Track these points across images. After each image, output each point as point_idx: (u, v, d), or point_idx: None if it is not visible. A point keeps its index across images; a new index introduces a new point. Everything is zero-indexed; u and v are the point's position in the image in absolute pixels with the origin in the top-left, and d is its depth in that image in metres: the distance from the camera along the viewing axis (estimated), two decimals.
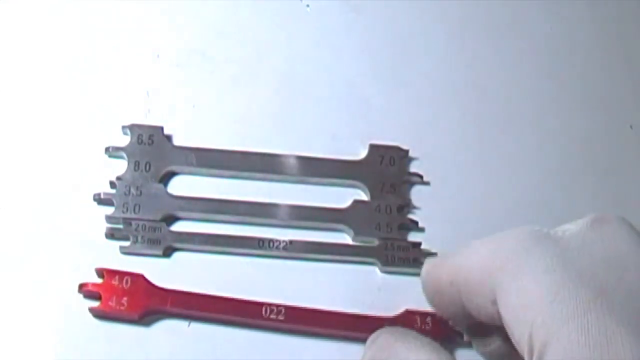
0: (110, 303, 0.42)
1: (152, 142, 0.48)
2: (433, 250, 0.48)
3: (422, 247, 0.48)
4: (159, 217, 0.46)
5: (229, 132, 0.50)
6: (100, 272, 0.44)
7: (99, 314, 0.43)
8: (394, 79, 0.53)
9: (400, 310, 0.45)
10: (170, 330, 0.44)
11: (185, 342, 0.43)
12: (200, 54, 0.52)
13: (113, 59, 0.51)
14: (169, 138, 0.49)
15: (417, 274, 0.45)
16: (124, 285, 0.43)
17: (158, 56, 0.52)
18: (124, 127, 0.49)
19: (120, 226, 0.46)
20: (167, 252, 0.46)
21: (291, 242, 0.47)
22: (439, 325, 0.44)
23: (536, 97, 0.53)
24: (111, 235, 0.46)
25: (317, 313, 0.44)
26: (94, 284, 0.43)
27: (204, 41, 0.53)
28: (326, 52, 0.53)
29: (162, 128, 0.49)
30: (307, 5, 0.54)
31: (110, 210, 0.46)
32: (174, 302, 0.43)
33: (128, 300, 0.42)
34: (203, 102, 0.51)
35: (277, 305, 0.44)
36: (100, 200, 0.47)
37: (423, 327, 0.44)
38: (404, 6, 0.55)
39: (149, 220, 0.46)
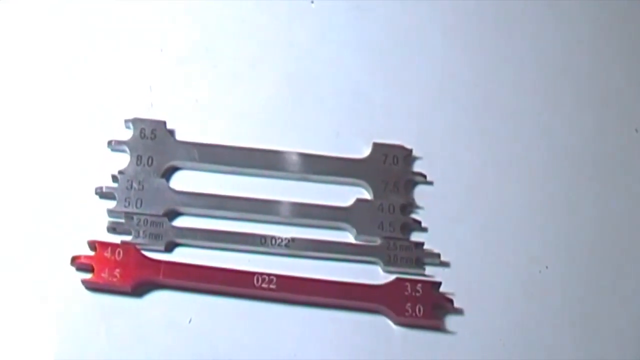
0: (102, 275, 0.43)
1: (155, 136, 0.49)
2: (436, 251, 0.48)
3: (425, 247, 0.48)
4: (161, 212, 0.47)
5: (232, 128, 0.51)
6: (93, 245, 0.45)
7: (92, 286, 0.44)
8: (398, 77, 0.54)
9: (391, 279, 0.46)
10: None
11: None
12: (203, 49, 0.53)
13: (116, 53, 0.52)
14: (171, 133, 0.50)
15: (420, 274, 0.46)
16: (117, 257, 0.44)
17: (162, 50, 0.53)
18: (126, 121, 0.50)
19: (122, 220, 0.47)
20: (169, 247, 0.47)
21: (293, 239, 0.48)
22: (430, 292, 0.45)
23: (542, 98, 0.54)
24: (113, 229, 0.47)
25: (308, 281, 0.45)
26: (87, 256, 0.44)
27: (207, 36, 0.54)
28: (330, 49, 0.54)
29: (165, 122, 0.50)
30: (312, 2, 0.55)
31: (112, 204, 0.47)
32: (167, 273, 0.44)
33: (120, 272, 0.43)
34: (206, 97, 0.52)
35: (269, 275, 0.45)
36: (102, 194, 0.48)
37: (414, 294, 0.45)
38: (409, 3, 0.56)
39: (151, 215, 0.47)
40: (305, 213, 0.49)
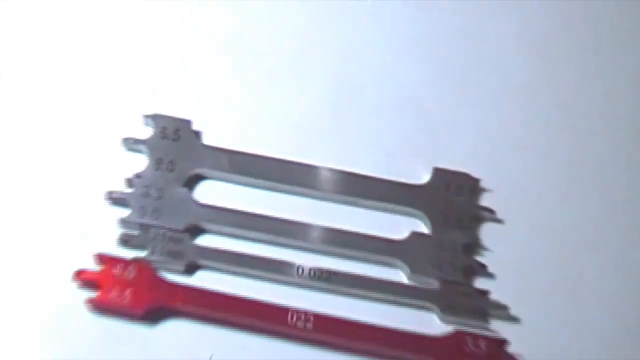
0: (110, 295, 0.43)
1: (178, 137, 0.49)
2: (503, 302, 0.48)
3: (491, 296, 0.48)
4: (181, 226, 0.47)
5: (269, 136, 0.51)
6: (100, 259, 0.44)
7: (97, 307, 0.43)
8: (469, 93, 0.54)
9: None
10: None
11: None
12: (240, 38, 0.53)
13: (136, 34, 0.52)
14: (197, 135, 0.50)
15: (483, 328, 0.46)
16: (128, 275, 0.43)
17: (191, 36, 0.53)
18: (146, 117, 0.49)
19: (136, 233, 0.47)
20: (190, 269, 0.47)
21: (335, 273, 0.48)
22: (494, 351, 0.44)
23: (633, 126, 0.54)
24: (124, 242, 0.46)
25: (350, 324, 0.45)
26: (92, 272, 0.43)
27: (246, 24, 0.54)
28: (388, 54, 0.54)
29: (190, 122, 0.50)
30: None
31: (124, 212, 0.47)
32: (186, 299, 0.44)
33: (131, 293, 0.43)
34: (240, 96, 0.52)
35: (305, 312, 0.44)
36: (113, 200, 0.47)
37: (475, 351, 0.44)
38: (483, 7, 0.56)
39: (170, 230, 0.47)
40: (351, 243, 0.49)
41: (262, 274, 0.47)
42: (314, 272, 0.47)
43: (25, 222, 0.46)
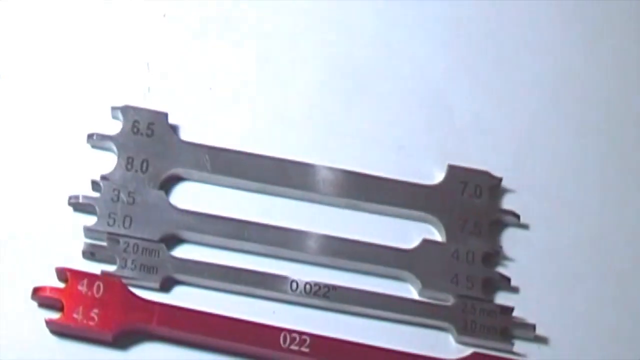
0: (75, 315, 0.42)
1: (152, 132, 0.49)
2: (529, 321, 0.47)
3: (515, 314, 0.47)
4: (157, 236, 0.46)
5: (258, 130, 0.50)
6: (62, 273, 0.43)
7: (59, 330, 0.43)
8: (487, 82, 0.53)
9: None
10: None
11: None
12: (222, 20, 0.53)
13: (104, 15, 0.51)
14: (175, 129, 0.49)
15: (506, 351, 0.46)
16: (95, 293, 0.43)
17: (164, 16, 0.53)
18: (114, 109, 0.48)
19: (104, 244, 0.46)
20: (166, 285, 0.46)
21: (334, 287, 0.47)
22: None
23: None
24: (90, 254, 0.45)
25: (352, 347, 0.44)
26: (54, 289, 0.43)
27: (228, 2, 0.53)
28: (399, 38, 0.54)
29: (166, 115, 0.49)
30: None
31: (90, 220, 0.46)
32: (162, 320, 0.43)
33: (99, 314, 0.42)
34: (224, 85, 0.51)
35: (300, 333, 0.44)
36: (77, 205, 0.46)
37: None
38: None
39: (143, 240, 0.46)
40: (353, 253, 0.48)
41: (251, 289, 0.46)
42: (311, 287, 0.46)
43: None
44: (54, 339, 0.43)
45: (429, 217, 0.48)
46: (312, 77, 0.51)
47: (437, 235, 0.48)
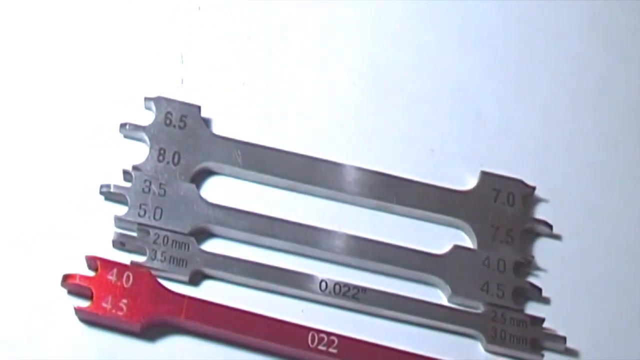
0: (104, 304, 0.42)
1: (185, 125, 0.49)
2: (560, 333, 0.47)
3: (545, 325, 0.47)
4: (187, 229, 0.46)
5: (291, 128, 0.50)
6: (93, 262, 0.43)
7: (88, 318, 0.43)
8: (523, 89, 0.53)
9: None
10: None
11: None
12: (257, 15, 0.52)
13: (140, 6, 0.51)
14: (207, 123, 0.49)
15: None
16: (124, 283, 0.43)
17: (199, 8, 0.53)
18: (147, 100, 0.49)
19: (134, 234, 0.46)
20: (195, 279, 0.46)
21: (364, 289, 0.47)
22: None
23: None
24: (121, 244, 0.45)
25: (381, 350, 0.44)
26: (84, 277, 0.43)
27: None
28: (433, 41, 0.54)
29: (199, 108, 0.49)
30: None
31: (121, 210, 0.46)
32: (190, 313, 0.43)
33: (128, 304, 0.43)
34: (257, 81, 0.51)
35: (328, 334, 0.44)
36: (108, 194, 0.46)
37: None
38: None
39: (173, 232, 0.46)
40: (383, 256, 0.48)
41: (280, 287, 0.46)
42: (340, 288, 0.46)
43: (9, 217, 0.45)
44: (82, 326, 0.43)
45: (461, 223, 0.48)
46: (345, 77, 0.51)
47: (468, 242, 0.48)
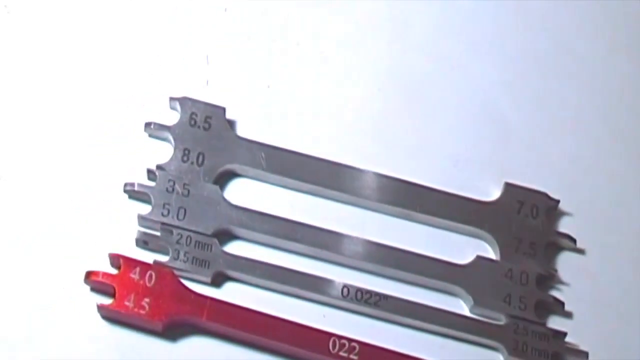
0: (126, 303, 0.43)
1: (209, 126, 0.49)
2: (583, 348, 0.47)
3: (568, 339, 0.47)
4: (210, 230, 0.46)
5: (315, 132, 0.50)
6: (116, 260, 0.44)
7: (111, 315, 0.43)
8: (549, 99, 0.53)
9: None
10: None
11: None
12: (283, 18, 0.52)
13: (166, 7, 0.51)
14: (232, 124, 0.49)
15: None
16: (147, 282, 0.43)
17: (226, 10, 0.53)
18: (172, 100, 0.49)
19: (157, 233, 0.46)
20: (217, 280, 0.46)
21: (386, 297, 0.47)
22: None
23: None
24: (144, 242, 0.46)
25: (398, 357, 0.45)
26: (107, 274, 0.43)
27: (290, 2, 0.53)
28: (458, 48, 0.54)
29: (224, 109, 0.49)
30: None
31: (145, 209, 0.46)
32: (212, 314, 0.44)
33: (151, 303, 0.43)
34: (282, 83, 0.51)
35: (350, 340, 0.44)
36: (132, 193, 0.47)
37: None
38: (575, 5, 0.56)
39: (196, 233, 0.46)
40: (404, 264, 0.47)
41: (301, 291, 0.46)
42: (362, 294, 0.47)
43: (34, 214, 0.45)
44: (104, 324, 0.43)
45: (484, 233, 0.48)
46: (371, 83, 0.51)
47: (491, 253, 0.48)
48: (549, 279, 0.48)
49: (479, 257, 0.48)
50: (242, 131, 0.49)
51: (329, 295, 0.46)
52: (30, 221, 0.45)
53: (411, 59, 0.52)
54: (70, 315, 0.43)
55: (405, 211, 0.49)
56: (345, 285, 0.46)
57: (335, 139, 0.50)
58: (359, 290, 0.46)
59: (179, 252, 0.45)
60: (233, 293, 0.45)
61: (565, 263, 0.49)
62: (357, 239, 0.47)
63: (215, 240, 0.45)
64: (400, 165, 0.50)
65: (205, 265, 0.45)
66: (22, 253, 0.44)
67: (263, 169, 0.48)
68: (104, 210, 0.45)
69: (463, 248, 0.48)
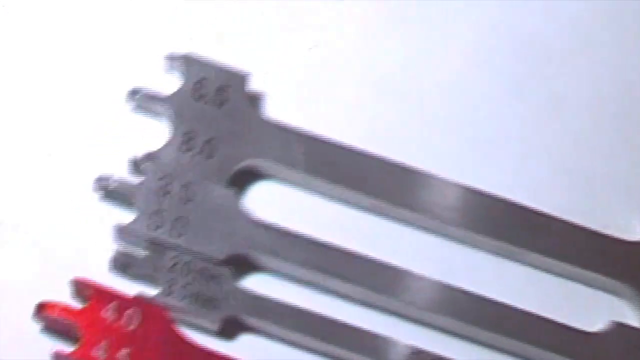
0: (95, 353, 0.43)
1: (224, 100, 0.49)
2: None
3: None
4: (221, 255, 0.46)
5: (379, 121, 0.51)
6: (82, 289, 0.44)
7: None
8: None
9: None
10: None
11: None
12: None
13: None
14: (256, 101, 0.50)
15: None
16: (126, 324, 0.44)
17: None
18: (171, 59, 0.49)
19: (143, 253, 0.46)
20: (228, 328, 0.46)
21: None
22: None
23: None
24: (123, 266, 0.45)
25: None
26: (67, 309, 0.44)
27: None
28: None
29: (246, 77, 0.49)
30: None
31: (125, 217, 0.46)
32: None
33: (131, 356, 0.44)
34: (331, 47, 0.52)
35: None
36: (107, 193, 0.47)
37: None
38: None
39: (201, 257, 0.46)
40: (499, 325, 0.49)
41: (349, 354, 0.47)
42: None
43: None
44: None
45: (623, 287, 0.50)
46: (466, 64, 0.54)
47: (631, 317, 0.49)
48: None
49: (615, 325, 0.49)
50: (271, 112, 0.49)
51: (369, 355, 0.47)
52: None
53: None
54: None
55: (508, 246, 0.50)
56: (413, 351, 0.46)
57: (406, 133, 0.52)
58: (434, 359, 0.46)
59: (173, 284, 0.45)
60: (249, 348, 0.46)
61: None
62: (434, 282, 0.48)
63: (228, 270, 0.46)
64: (507, 182, 0.52)
65: (211, 305, 0.45)
66: None
67: (301, 170, 0.49)
68: (65, 216, 0.47)
69: (592, 307, 0.50)
